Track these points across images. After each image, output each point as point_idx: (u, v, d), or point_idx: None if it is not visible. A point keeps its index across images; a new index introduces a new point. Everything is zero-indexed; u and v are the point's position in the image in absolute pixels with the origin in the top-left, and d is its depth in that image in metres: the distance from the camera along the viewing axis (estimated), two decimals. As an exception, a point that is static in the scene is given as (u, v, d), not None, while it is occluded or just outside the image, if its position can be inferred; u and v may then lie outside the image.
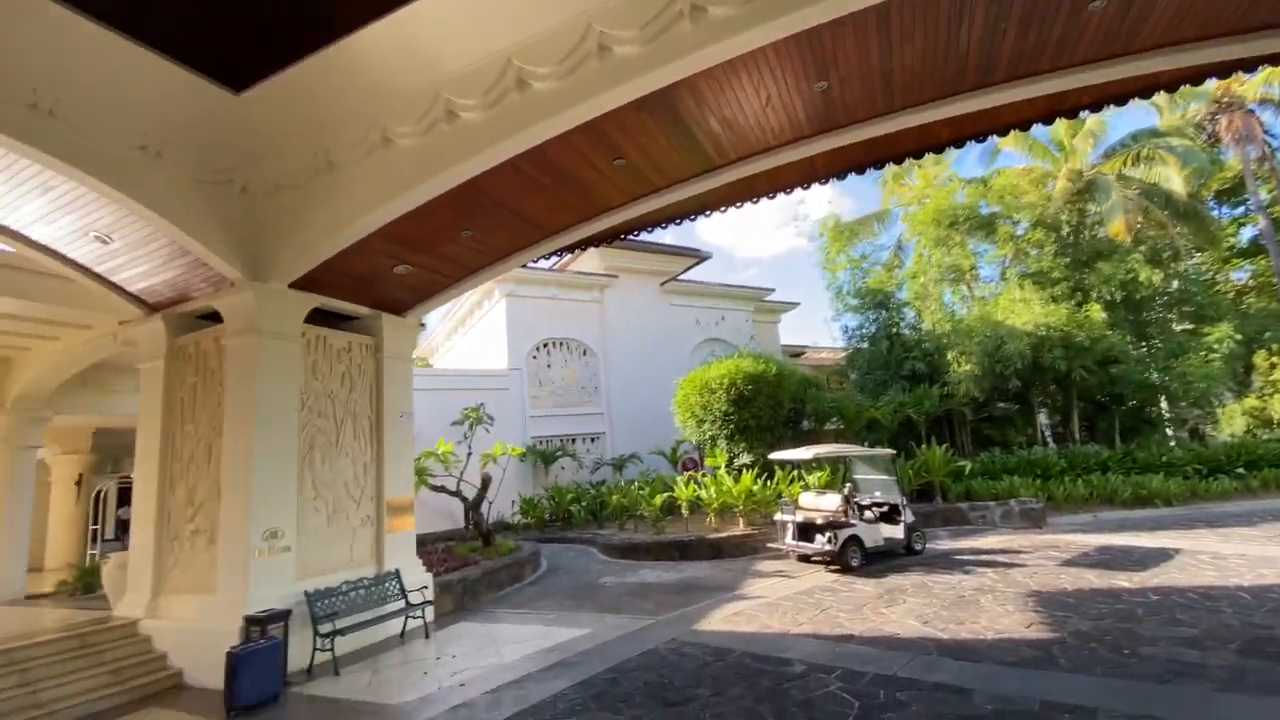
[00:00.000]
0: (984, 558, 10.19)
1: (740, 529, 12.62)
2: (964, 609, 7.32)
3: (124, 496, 16.64)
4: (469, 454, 15.86)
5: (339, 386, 8.47)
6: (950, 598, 7.85)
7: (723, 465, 14.40)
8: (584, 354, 21.55)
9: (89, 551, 15.37)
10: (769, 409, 15.25)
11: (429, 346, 27.85)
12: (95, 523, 16.01)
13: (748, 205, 9.09)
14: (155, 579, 7.59)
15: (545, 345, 20.88)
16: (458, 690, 5.85)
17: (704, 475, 14.55)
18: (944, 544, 11.62)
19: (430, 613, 8.25)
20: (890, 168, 22.03)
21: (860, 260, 21.89)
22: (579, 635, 7.40)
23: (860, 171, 8.37)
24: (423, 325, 9.98)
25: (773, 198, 9.08)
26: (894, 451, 11.71)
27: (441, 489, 13.58)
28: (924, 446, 15.38)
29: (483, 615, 8.92)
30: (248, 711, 5.71)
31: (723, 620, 7.63)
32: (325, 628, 6.92)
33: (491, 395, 18.29)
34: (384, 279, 8.40)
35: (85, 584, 10.73)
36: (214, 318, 8.00)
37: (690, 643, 6.79)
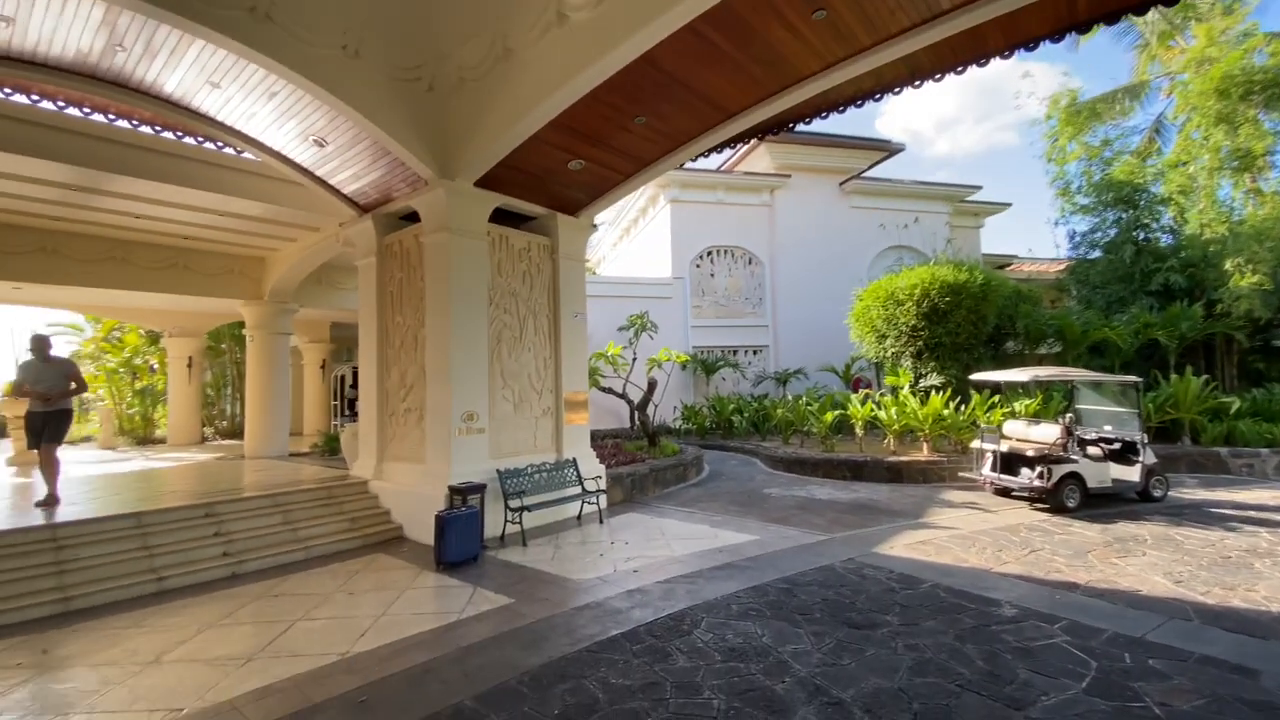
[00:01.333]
0: (1254, 514, 8.14)
1: (924, 454, 11.48)
2: (1232, 572, 5.86)
3: (355, 379, 19.85)
4: (633, 359, 16.23)
5: (520, 284, 8.77)
6: (1210, 557, 6.35)
7: (905, 386, 13.06)
8: (749, 263, 20.56)
9: (332, 422, 18.70)
10: (968, 325, 13.31)
11: (596, 256, 28.60)
12: (335, 399, 19.32)
13: (971, 69, 7.34)
14: (379, 448, 8.80)
15: (709, 253, 20.22)
16: (632, 575, 6.03)
17: (880, 394, 13.38)
18: (1193, 493, 9.52)
19: (603, 501, 8.65)
20: (1156, 24, 17.02)
21: (1100, 148, 17.61)
22: (747, 540, 7.27)
23: (1141, 10, 6.25)
24: (595, 227, 9.91)
25: (1007, 55, 7.16)
26: (1139, 379, 9.58)
27: (609, 390, 14.08)
28: (1173, 377, 12.52)
29: (650, 509, 9.20)
30: (452, 567, 6.43)
31: (907, 547, 6.98)
32: (514, 503, 7.54)
33: (655, 304, 18.32)
34: (559, 175, 8.30)
35: (330, 448, 13.01)
36: (413, 218, 8.58)
37: (872, 565, 6.29)
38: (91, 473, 11.00)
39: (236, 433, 18.09)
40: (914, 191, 21.91)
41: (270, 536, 7.06)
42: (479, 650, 4.41)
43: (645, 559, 6.60)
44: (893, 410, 11.97)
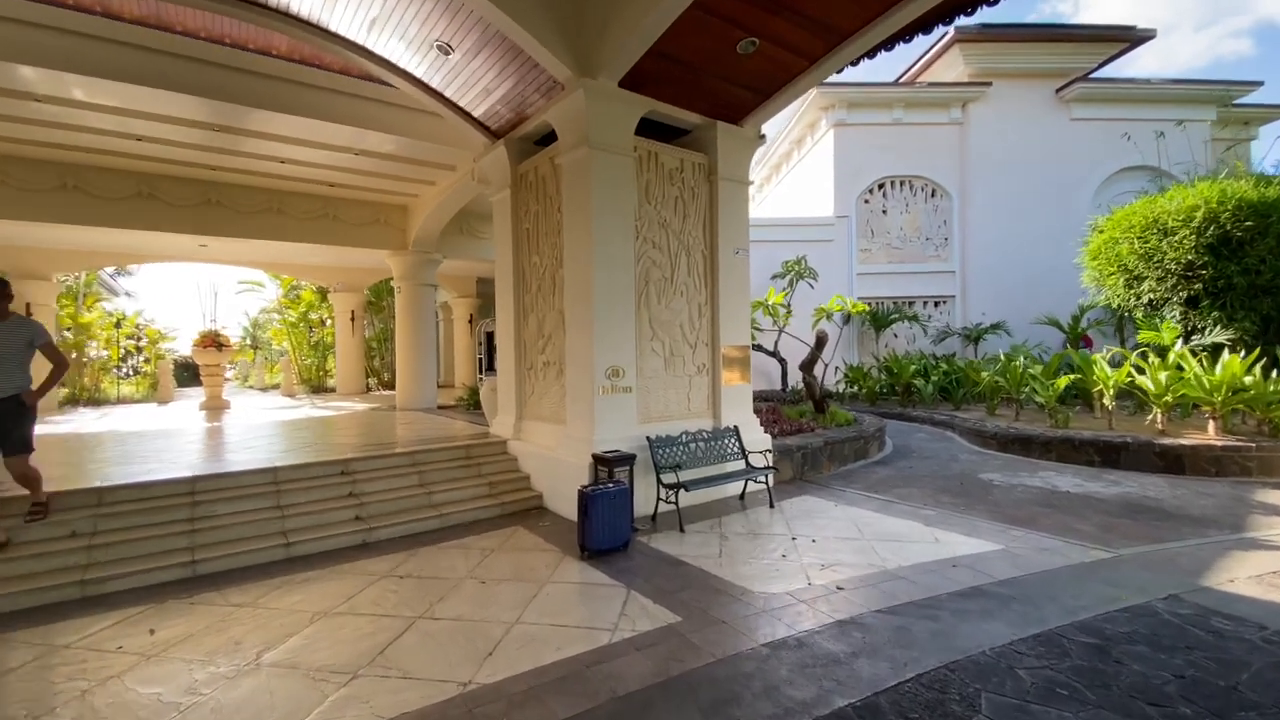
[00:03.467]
0: None
1: (1211, 435, 8.37)
2: None
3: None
4: (787, 311, 14.15)
5: (672, 214, 7.19)
6: None
7: (1173, 343, 9.73)
8: (932, 195, 17.19)
9: (478, 376, 18.86)
10: (1275, 261, 9.55)
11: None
12: (480, 354, 19.47)
13: None
14: (518, 405, 7.87)
15: (881, 186, 17.18)
16: (836, 595, 4.38)
17: (1108, 354, 10.19)
18: None
19: (772, 478, 7.01)
20: None
21: None
22: (988, 550, 5.26)
23: None
24: (762, 137, 7.97)
25: None
26: None
27: (759, 348, 12.24)
28: None
29: (830, 493, 7.41)
30: (598, 555, 5.21)
31: (1258, 582, 4.57)
32: (668, 478, 6.16)
33: (812, 249, 15.93)
34: (722, 63, 6.47)
35: (474, 401, 12.66)
36: (549, 140, 7.32)
37: (1219, 611, 4.05)
38: (256, 421, 11.48)
39: (395, 383, 18.91)
40: (1163, 94, 16.82)
41: (404, 500, 6.35)
42: (643, 710, 3.05)
43: (847, 568, 4.89)
44: (1161, 375, 8.87)
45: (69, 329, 15.70)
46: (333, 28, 6.60)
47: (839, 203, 16.83)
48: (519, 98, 7.00)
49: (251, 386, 23.36)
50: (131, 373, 19.00)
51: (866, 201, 17.10)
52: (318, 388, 19.47)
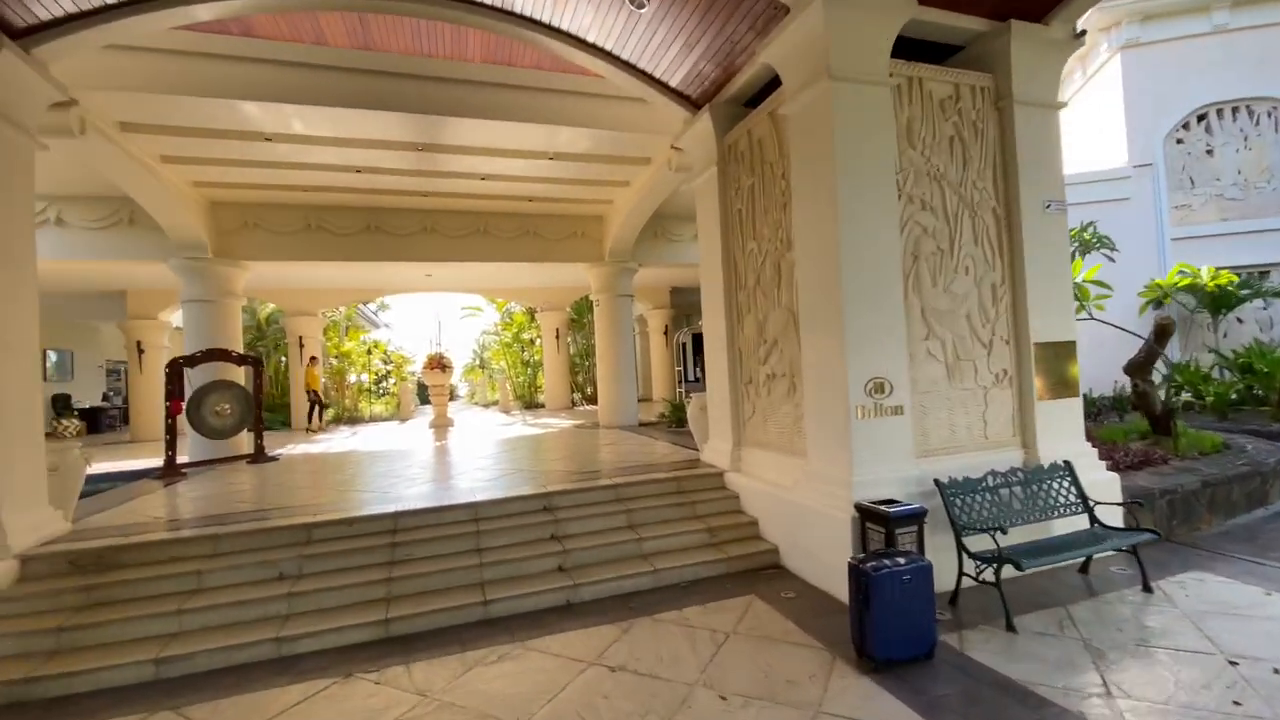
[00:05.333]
0: None
1: None
2: None
3: (696, 345, 18.83)
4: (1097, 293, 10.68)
5: (946, 161, 5.14)
6: None
7: None
8: (1292, 119, 12.11)
9: (678, 389, 17.94)
10: None
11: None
12: (679, 364, 18.57)
13: None
14: (734, 428, 6.40)
15: (1201, 119, 12.58)
16: None
17: None
18: None
19: (1138, 543, 4.51)
20: None
21: None
22: None
23: None
24: (1079, 36, 5.51)
25: None
26: None
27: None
28: None
29: (1234, 565, 4.69)
30: (889, 669, 3.42)
31: None
32: (978, 543, 4.14)
33: (1100, 211, 12.07)
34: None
35: (677, 418, 11.55)
36: (762, 97, 5.81)
37: None
38: (471, 440, 11.63)
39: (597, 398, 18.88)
40: None
41: (612, 549, 5.21)
42: None
43: None
44: None
45: (335, 357, 18.21)
46: (517, 8, 5.86)
47: (1135, 148, 12.64)
48: (727, 45, 5.59)
49: (476, 403, 25.50)
50: (382, 393, 21.70)
51: (1179, 142, 12.62)
52: (529, 403, 20.27)
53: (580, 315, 20.15)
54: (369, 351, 20.58)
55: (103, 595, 4.29)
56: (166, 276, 10.13)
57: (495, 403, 23.25)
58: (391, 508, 5.53)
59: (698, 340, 19.02)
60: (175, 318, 14.78)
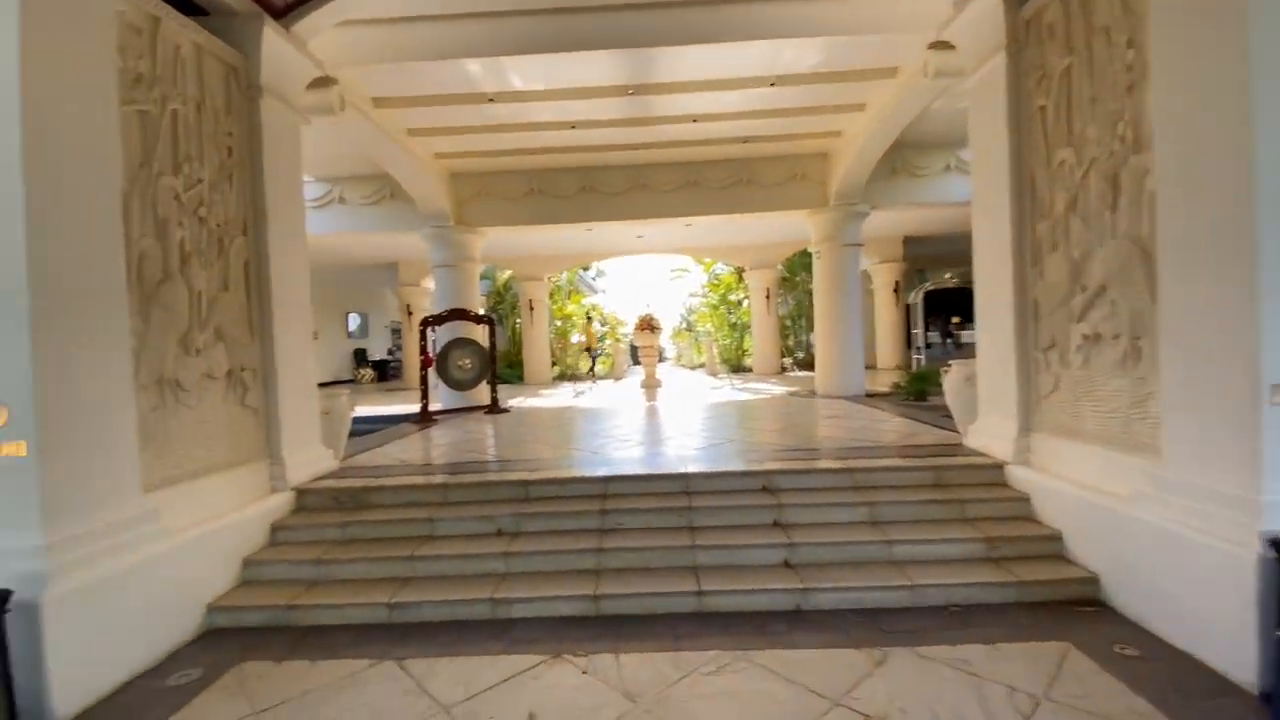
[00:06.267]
0: None
1: None
2: None
3: (928, 305, 16.19)
4: None
5: None
6: None
7: None
8: None
9: (912, 356, 15.67)
10: None
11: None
12: (914, 328, 16.18)
13: None
14: (1021, 406, 4.83)
15: None
16: None
17: None
18: None
19: None
20: None
21: None
22: None
23: None
24: None
25: None
26: None
27: None
28: None
29: None
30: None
31: None
32: None
33: None
34: None
35: (916, 390, 9.81)
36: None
37: None
38: (680, 402, 11.26)
39: (811, 363, 17.44)
40: None
41: (851, 547, 4.23)
42: None
43: None
44: None
45: (559, 320, 19.51)
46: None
47: None
48: None
49: (682, 365, 25.65)
50: (600, 354, 22.90)
51: None
52: (736, 367, 19.60)
53: (793, 273, 18.68)
54: (588, 315, 21.70)
55: (354, 533, 4.62)
56: (424, 250, 11.35)
57: (701, 365, 23.05)
58: (601, 470, 5.24)
59: (930, 299, 16.32)
60: (431, 283, 17.00)
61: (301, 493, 4.93)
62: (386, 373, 21.02)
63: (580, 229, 12.04)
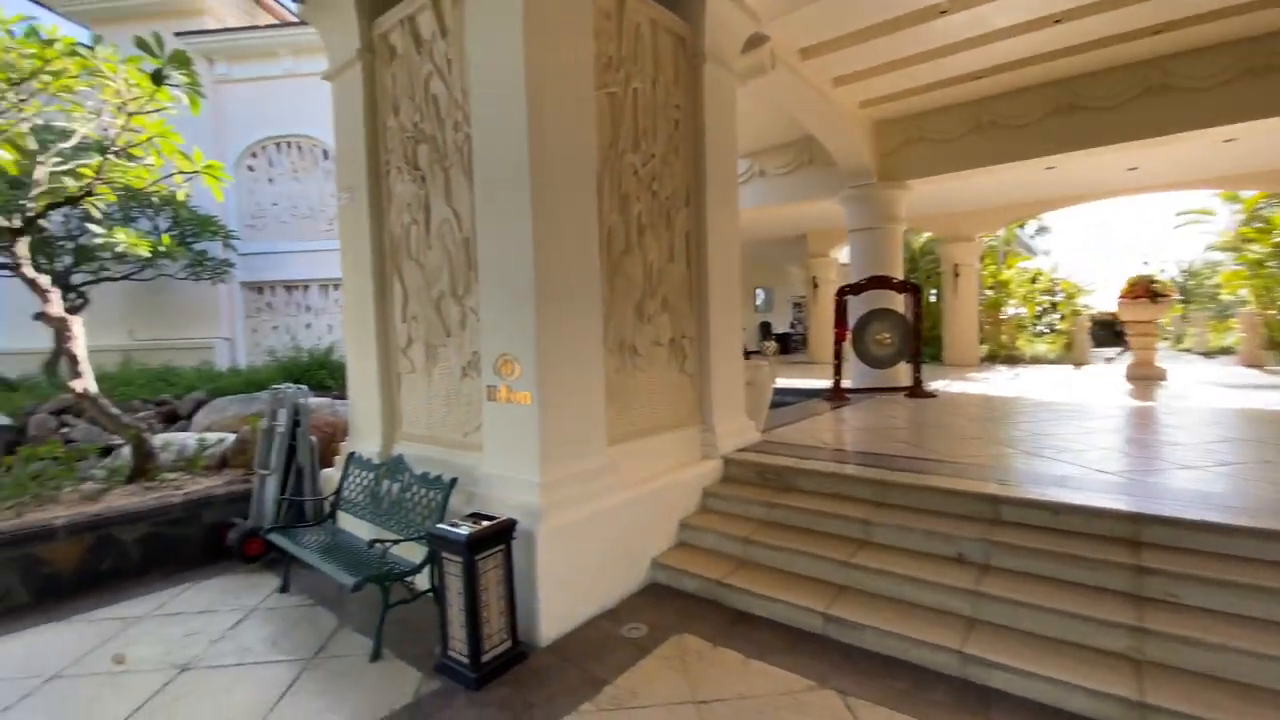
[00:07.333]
0: None
1: None
2: None
3: None
4: None
5: None
6: None
7: None
8: None
9: None
10: None
11: None
12: None
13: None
14: None
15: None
16: None
17: None
18: None
19: None
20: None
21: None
22: None
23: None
24: None
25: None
26: None
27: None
28: None
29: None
30: None
31: None
32: None
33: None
34: None
35: None
36: None
37: None
38: (1203, 405, 7.59)
39: None
40: None
41: None
42: None
43: None
44: None
45: (990, 287, 16.14)
46: None
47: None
48: None
49: (1187, 350, 18.22)
50: (1046, 330, 18.19)
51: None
52: (1303, 354, 12.70)
53: None
54: (1032, 280, 17.46)
55: (779, 516, 4.24)
56: (836, 218, 10.61)
57: (1225, 351, 15.95)
58: (1124, 502, 3.54)
59: None
60: (841, 254, 16.14)
61: (728, 462, 4.84)
62: (789, 345, 21.39)
63: (1039, 167, 9.28)
